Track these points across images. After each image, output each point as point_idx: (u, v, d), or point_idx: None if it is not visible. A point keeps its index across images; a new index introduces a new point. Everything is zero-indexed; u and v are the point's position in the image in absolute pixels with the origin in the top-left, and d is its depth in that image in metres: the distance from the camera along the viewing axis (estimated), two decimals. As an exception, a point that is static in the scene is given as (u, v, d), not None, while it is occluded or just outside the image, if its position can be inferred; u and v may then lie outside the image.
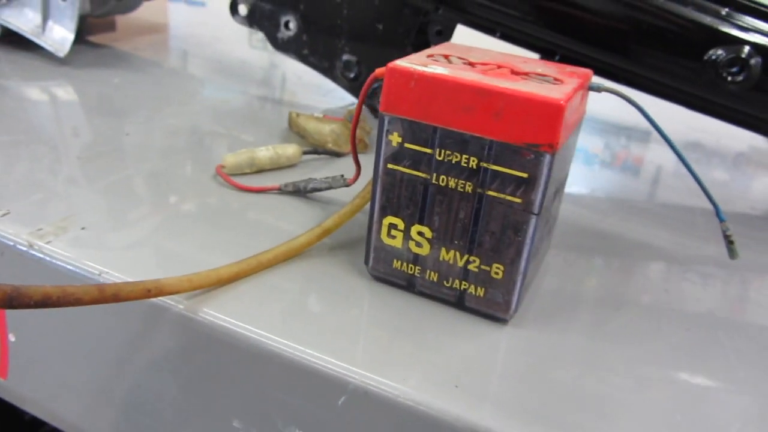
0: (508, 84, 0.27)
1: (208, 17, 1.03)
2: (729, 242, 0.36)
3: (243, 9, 0.62)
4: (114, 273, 0.31)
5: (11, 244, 0.33)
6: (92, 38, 0.79)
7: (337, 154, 0.49)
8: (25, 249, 0.33)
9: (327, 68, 0.61)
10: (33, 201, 0.37)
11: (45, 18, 0.65)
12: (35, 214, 0.36)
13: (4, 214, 0.35)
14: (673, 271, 0.39)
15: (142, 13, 0.89)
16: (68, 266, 0.32)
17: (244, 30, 0.63)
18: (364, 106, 0.58)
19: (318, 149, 0.48)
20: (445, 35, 0.53)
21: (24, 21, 0.66)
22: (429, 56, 0.31)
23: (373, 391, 0.26)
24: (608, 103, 0.35)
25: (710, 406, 0.27)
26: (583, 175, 0.55)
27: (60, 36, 0.65)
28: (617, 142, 0.67)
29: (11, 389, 0.37)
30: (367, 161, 0.36)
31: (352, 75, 0.59)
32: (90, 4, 0.70)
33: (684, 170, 0.33)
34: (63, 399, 0.36)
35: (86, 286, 0.24)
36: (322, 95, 0.67)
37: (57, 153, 0.45)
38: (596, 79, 0.33)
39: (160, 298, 0.29)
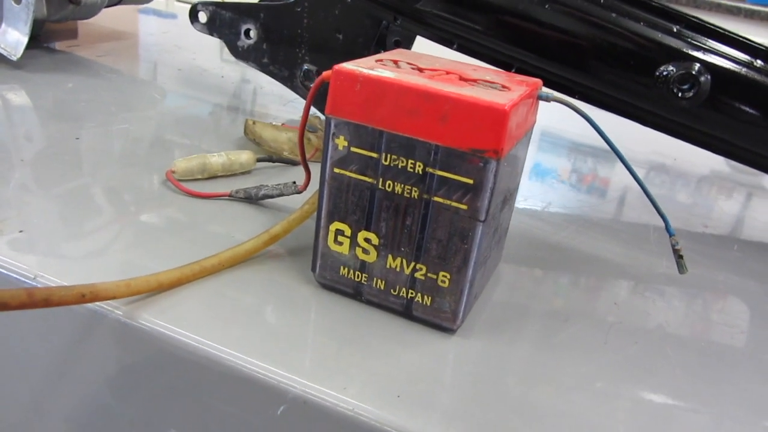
0: (453, 89, 0.27)
1: (178, 28, 1.01)
2: (678, 257, 0.36)
3: (203, 16, 0.61)
4: (50, 277, 0.30)
5: (-58, 246, 0.32)
6: (53, 45, 0.78)
7: (293, 163, 0.48)
8: (-44, 252, 0.31)
9: (287, 77, 0.60)
10: (-31, 203, 0.36)
11: (1, 21, 0.63)
12: (-30, 216, 0.34)
13: (-63, 216, 0.34)
14: (623, 285, 0.39)
15: (108, 22, 0.88)
16: (2, 270, 0.30)
17: (216, 42, 0.62)
18: (321, 115, 0.58)
19: (273, 157, 0.47)
20: (404, 46, 0.53)
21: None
22: (378, 60, 0.31)
23: (312, 400, 0.25)
24: (567, 120, 0.35)
25: (655, 419, 0.27)
26: (539, 189, 0.55)
27: (13, 39, 0.63)
28: (575, 157, 0.67)
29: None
30: (318, 168, 0.35)
31: (311, 84, 0.59)
32: (46, 8, 0.68)
33: (640, 188, 0.33)
34: (-6, 410, 0.34)
35: (14, 290, 0.23)
36: (282, 105, 0.67)
37: (6, 155, 0.43)
38: (549, 91, 0.33)
39: (96, 303, 0.28)
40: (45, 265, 0.31)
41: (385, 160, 0.28)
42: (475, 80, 0.29)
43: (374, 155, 0.29)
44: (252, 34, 0.60)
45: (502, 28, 0.46)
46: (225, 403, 0.27)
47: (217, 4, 0.61)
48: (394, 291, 0.30)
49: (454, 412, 0.25)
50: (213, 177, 0.43)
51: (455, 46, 0.49)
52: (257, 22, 0.59)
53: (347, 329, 0.30)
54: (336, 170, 0.30)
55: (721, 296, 0.40)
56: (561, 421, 0.26)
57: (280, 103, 0.67)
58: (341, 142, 0.29)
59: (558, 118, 0.32)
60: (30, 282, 0.30)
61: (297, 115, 0.64)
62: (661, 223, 0.34)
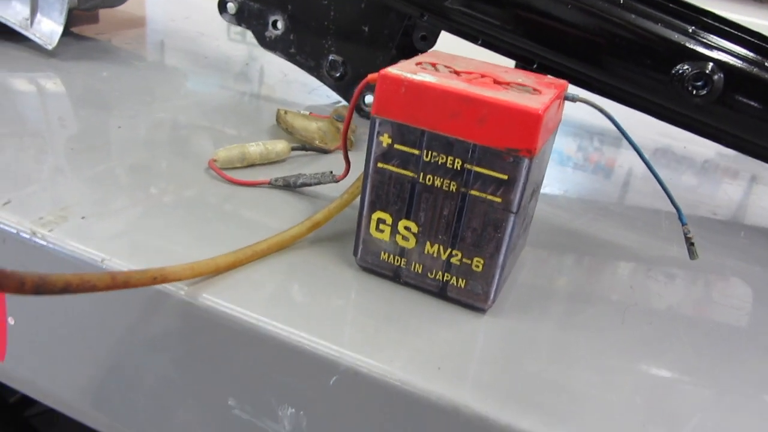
0: (491, 93, 0.30)
1: (186, 10, 1.03)
2: (690, 244, 0.39)
3: (232, 7, 0.63)
4: (116, 260, 0.33)
5: (14, 231, 0.35)
6: (75, 29, 0.80)
7: (324, 151, 0.51)
8: (28, 237, 0.34)
9: (313, 67, 0.63)
10: (32, 191, 0.39)
11: (33, 11, 0.66)
12: (35, 203, 0.37)
13: (6, 203, 0.37)
14: (638, 270, 0.42)
15: (126, 6, 0.90)
16: (71, 254, 0.33)
17: (222, 22, 0.65)
18: (347, 103, 0.60)
19: (306, 146, 0.50)
20: (430, 40, 0.56)
21: (12, 13, 0.67)
22: (417, 64, 0.33)
23: (362, 371, 0.28)
24: (584, 110, 0.38)
25: (668, 393, 0.30)
26: (558, 177, 0.58)
27: (48, 29, 0.66)
28: (590, 146, 0.70)
29: (8, 371, 0.39)
30: (354, 158, 0.38)
31: (337, 74, 0.61)
32: None
33: (651, 175, 0.36)
34: (60, 380, 0.37)
35: (100, 273, 0.26)
36: (307, 93, 0.69)
37: (51, 144, 0.46)
38: (572, 89, 0.35)
39: (163, 284, 0.31)
40: (109, 249, 0.34)
41: (426, 156, 0.31)
42: (508, 83, 0.32)
43: (416, 152, 0.31)
44: (279, 25, 0.62)
45: (526, 25, 0.49)
46: (279, 373, 0.30)
47: (244, -5, 0.63)
48: (431, 274, 0.33)
49: (489, 384, 0.28)
50: (251, 165, 0.46)
51: (480, 42, 0.51)
52: (285, 13, 0.62)
53: (389, 308, 0.33)
54: (379, 165, 0.32)
55: (729, 281, 0.43)
56: (581, 393, 0.29)
57: (305, 91, 0.70)
58: (385, 140, 0.32)
59: (569, 105, 0.35)
60: (99, 265, 0.33)
61: (321, 102, 0.66)
62: (672, 209, 0.37)
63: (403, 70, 0.31)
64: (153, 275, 0.29)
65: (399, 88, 0.31)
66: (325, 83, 0.63)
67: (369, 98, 0.62)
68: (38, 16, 0.66)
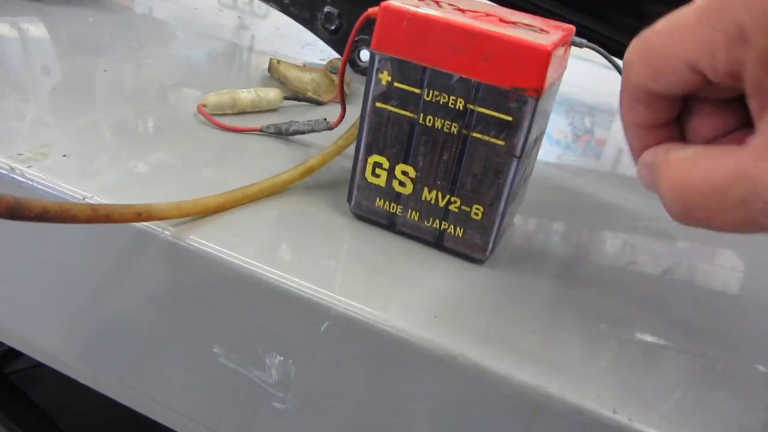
0: (497, 29, 0.28)
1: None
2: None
3: (224, -46, 0.61)
4: (98, 199, 0.31)
5: (-9, 166, 0.33)
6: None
7: (317, 103, 0.49)
8: (5, 173, 0.33)
9: (307, 19, 0.61)
10: (12, 127, 0.37)
11: (17, -50, 0.63)
12: (15, 140, 0.35)
13: (-18, 138, 0.35)
14: (637, 228, 0.41)
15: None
16: (50, 191, 0.32)
17: None
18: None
19: (299, 96, 0.48)
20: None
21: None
22: (421, 0, 0.32)
23: (355, 317, 0.27)
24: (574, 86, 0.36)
25: (658, 358, 0.29)
26: (556, 140, 0.56)
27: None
28: (586, 121, 0.68)
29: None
30: (350, 109, 0.36)
31: (332, 27, 0.59)
32: None
33: None
34: (36, 327, 0.36)
35: (81, 204, 0.24)
36: (300, 47, 0.67)
37: (33, 85, 0.44)
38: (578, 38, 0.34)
39: (147, 223, 0.29)
40: (90, 188, 0.32)
41: (427, 96, 0.30)
42: (514, 23, 0.30)
43: (416, 91, 0.30)
44: (274, -26, 0.60)
45: (530, -25, 0.47)
46: (268, 320, 0.29)
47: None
48: (428, 222, 0.32)
49: (487, 335, 0.27)
50: (242, 113, 0.44)
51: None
52: (280, -39, 0.59)
53: (383, 257, 0.31)
54: (377, 104, 0.31)
55: (725, 243, 0.42)
56: (574, 344, 0.28)
57: (298, 45, 0.67)
58: (384, 77, 0.30)
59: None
60: (80, 202, 0.31)
61: (316, 57, 0.64)
62: None
63: (404, 3, 0.29)
64: (138, 211, 0.27)
65: (401, 21, 0.29)
66: (319, 36, 0.61)
67: (365, 54, 0.60)
68: (21, -43, 0.63)
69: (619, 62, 0.33)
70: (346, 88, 0.51)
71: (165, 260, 0.30)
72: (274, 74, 0.52)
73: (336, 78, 0.51)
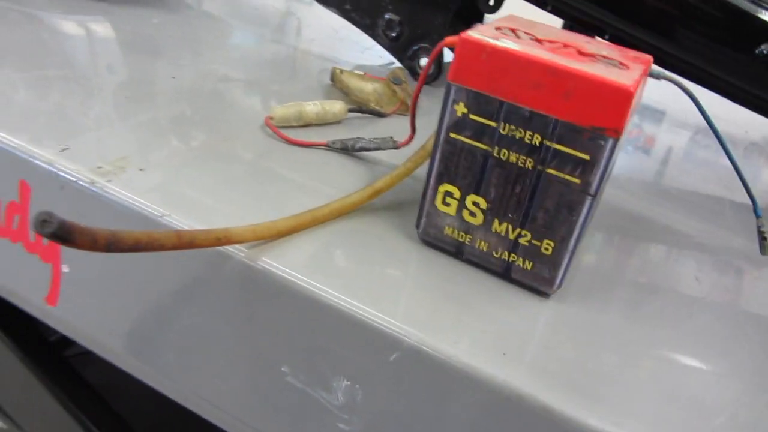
0: (578, 65, 0.28)
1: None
2: (763, 238, 0.37)
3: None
4: (175, 216, 0.32)
5: (72, 179, 0.34)
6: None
7: (380, 114, 0.49)
8: (86, 185, 0.34)
9: (368, 25, 0.61)
10: (90, 138, 0.38)
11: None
12: (94, 151, 0.36)
13: (63, 150, 0.36)
14: (703, 260, 0.40)
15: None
16: (130, 206, 0.33)
17: None
18: (405, 69, 0.58)
19: (363, 108, 0.49)
20: (497, 4, 0.53)
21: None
22: (497, 29, 0.32)
23: (426, 351, 0.27)
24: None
25: (732, 392, 0.29)
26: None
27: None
28: (650, 126, 0.67)
29: (59, 317, 0.39)
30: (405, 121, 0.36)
31: (393, 34, 0.59)
32: None
33: (713, 159, 0.34)
34: (109, 332, 0.37)
35: (167, 232, 0.25)
36: (359, 52, 0.67)
37: (104, 91, 0.45)
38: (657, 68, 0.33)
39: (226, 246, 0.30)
40: (168, 204, 0.33)
41: (503, 129, 0.30)
42: (593, 55, 0.30)
43: (492, 124, 0.30)
44: (338, -21, 0.60)
45: (602, -7, 0.46)
46: (337, 345, 0.30)
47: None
48: (496, 253, 0.32)
49: (554, 375, 0.27)
50: (306, 125, 0.45)
51: (549, 8, 0.49)
52: (343, -33, 0.59)
53: (450, 285, 0.32)
54: (451, 135, 0.31)
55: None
56: (649, 391, 0.28)
57: (357, 50, 0.68)
58: (460, 109, 0.30)
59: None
60: (158, 220, 0.32)
61: (374, 62, 0.65)
62: (738, 199, 0.35)
63: (484, 34, 0.29)
64: (217, 236, 0.28)
65: (480, 54, 0.29)
66: (379, 43, 0.61)
67: (423, 60, 0.60)
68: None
69: (693, 93, 0.32)
70: (407, 99, 0.51)
71: (239, 280, 0.31)
72: (337, 84, 0.52)
73: (398, 89, 0.51)
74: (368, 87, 0.52)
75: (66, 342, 0.74)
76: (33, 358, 0.60)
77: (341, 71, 0.52)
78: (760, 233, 0.37)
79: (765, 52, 0.43)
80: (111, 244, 0.22)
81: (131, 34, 0.59)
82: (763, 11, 0.43)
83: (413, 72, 0.60)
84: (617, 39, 0.48)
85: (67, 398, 0.64)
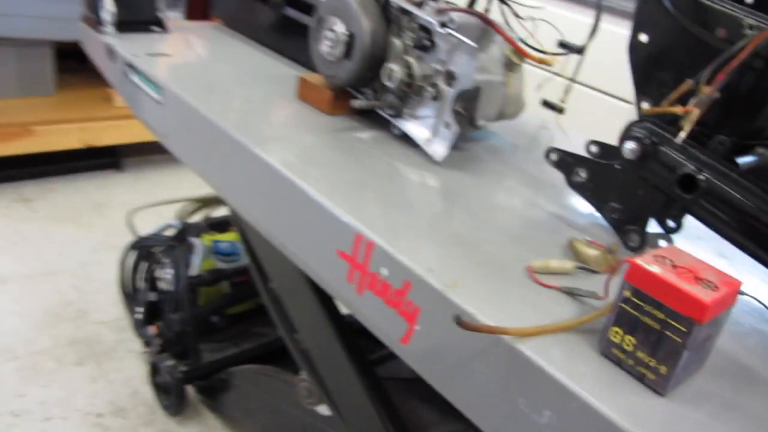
0: (687, 286, 0.59)
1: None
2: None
3: (554, 157, 0.98)
4: (482, 317, 0.69)
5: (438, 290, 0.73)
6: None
7: (594, 272, 0.83)
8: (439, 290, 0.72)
9: (598, 206, 0.94)
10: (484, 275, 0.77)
11: (433, 135, 1.08)
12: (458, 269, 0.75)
13: (429, 270, 0.75)
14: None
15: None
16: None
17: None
18: (618, 243, 0.91)
19: (585, 266, 0.82)
20: (677, 222, 0.84)
21: (417, 132, 1.09)
22: (654, 256, 0.64)
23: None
24: None
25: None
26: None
27: (440, 148, 1.07)
28: None
29: (409, 352, 0.77)
30: (612, 284, 0.69)
31: (614, 216, 0.92)
32: (482, 111, 1.10)
33: None
34: (462, 386, 0.75)
35: (516, 329, 0.62)
36: (591, 220, 1.01)
37: (439, 222, 0.85)
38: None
39: (506, 335, 0.66)
40: (496, 319, 0.70)
41: (647, 308, 0.62)
42: (702, 279, 0.61)
43: (641, 304, 0.62)
44: (583, 174, 0.95)
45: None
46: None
47: (563, 151, 0.97)
48: (637, 367, 0.64)
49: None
50: (551, 273, 0.80)
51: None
52: (588, 169, 0.94)
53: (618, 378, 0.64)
54: (621, 304, 0.64)
55: None
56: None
57: (591, 218, 1.01)
58: (627, 293, 0.63)
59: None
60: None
61: (590, 221, 0.98)
62: None
63: (643, 260, 0.62)
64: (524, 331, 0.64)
65: (638, 270, 0.62)
66: (604, 218, 0.94)
67: (633, 237, 0.91)
68: (435, 138, 1.08)
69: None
70: (613, 260, 0.84)
71: (507, 363, 0.66)
72: (572, 249, 0.86)
73: (610, 258, 0.84)
74: (591, 252, 0.85)
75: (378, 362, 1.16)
76: (363, 368, 1.01)
77: (577, 241, 0.87)
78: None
79: None
80: (461, 323, 0.59)
81: (451, 190, 0.99)
82: None
83: (625, 244, 0.92)
84: None
85: (378, 402, 1.05)
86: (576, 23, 1.07)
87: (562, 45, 1.11)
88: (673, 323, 0.60)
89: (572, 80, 1.15)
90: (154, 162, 2.81)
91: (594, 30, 1.06)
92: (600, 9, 1.04)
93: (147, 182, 2.71)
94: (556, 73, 1.13)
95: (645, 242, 0.91)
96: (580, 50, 1.10)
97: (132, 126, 2.53)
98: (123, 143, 2.67)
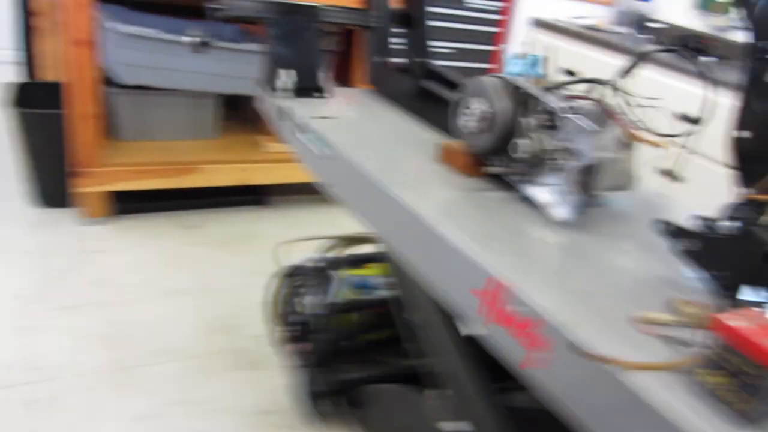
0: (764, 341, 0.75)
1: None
2: None
3: (661, 226, 1.14)
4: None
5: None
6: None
7: (688, 326, 0.98)
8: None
9: (700, 271, 1.10)
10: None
11: (555, 200, 1.27)
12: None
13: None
14: None
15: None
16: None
17: None
18: (715, 304, 1.06)
19: (683, 321, 0.98)
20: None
21: (541, 197, 1.29)
22: (740, 314, 0.80)
23: None
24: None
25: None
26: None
27: (560, 211, 1.26)
28: None
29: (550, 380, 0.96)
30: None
31: (714, 281, 1.07)
32: (599, 183, 1.28)
33: None
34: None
35: (621, 360, 0.81)
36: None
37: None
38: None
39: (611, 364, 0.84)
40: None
41: (731, 359, 0.78)
42: (775, 337, 0.77)
43: (733, 358, 0.78)
44: (687, 244, 1.11)
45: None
46: None
47: (669, 222, 1.14)
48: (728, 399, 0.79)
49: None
50: (650, 324, 0.97)
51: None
52: (691, 239, 1.10)
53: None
54: (710, 353, 0.80)
55: None
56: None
57: (693, 282, 1.16)
58: (714, 346, 0.79)
59: None
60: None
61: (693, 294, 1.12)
62: None
63: (734, 319, 0.79)
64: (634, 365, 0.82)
65: (722, 328, 0.78)
66: (704, 282, 1.09)
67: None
68: (556, 204, 1.27)
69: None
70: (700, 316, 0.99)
71: (612, 392, 0.84)
72: (673, 305, 1.02)
73: (705, 315, 1.00)
74: (689, 310, 1.01)
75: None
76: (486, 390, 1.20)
77: (678, 299, 1.02)
78: None
79: None
80: (573, 347, 0.77)
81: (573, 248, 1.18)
82: None
83: (722, 306, 1.06)
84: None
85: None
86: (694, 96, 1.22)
87: (681, 117, 1.27)
88: (748, 370, 0.76)
89: (686, 149, 1.31)
90: (296, 201, 3.22)
91: (704, 101, 1.22)
92: (712, 81, 1.19)
93: (290, 218, 3.10)
94: (674, 144, 1.29)
95: (738, 305, 1.05)
96: (695, 121, 1.26)
97: (279, 169, 2.91)
98: (270, 183, 3.04)
